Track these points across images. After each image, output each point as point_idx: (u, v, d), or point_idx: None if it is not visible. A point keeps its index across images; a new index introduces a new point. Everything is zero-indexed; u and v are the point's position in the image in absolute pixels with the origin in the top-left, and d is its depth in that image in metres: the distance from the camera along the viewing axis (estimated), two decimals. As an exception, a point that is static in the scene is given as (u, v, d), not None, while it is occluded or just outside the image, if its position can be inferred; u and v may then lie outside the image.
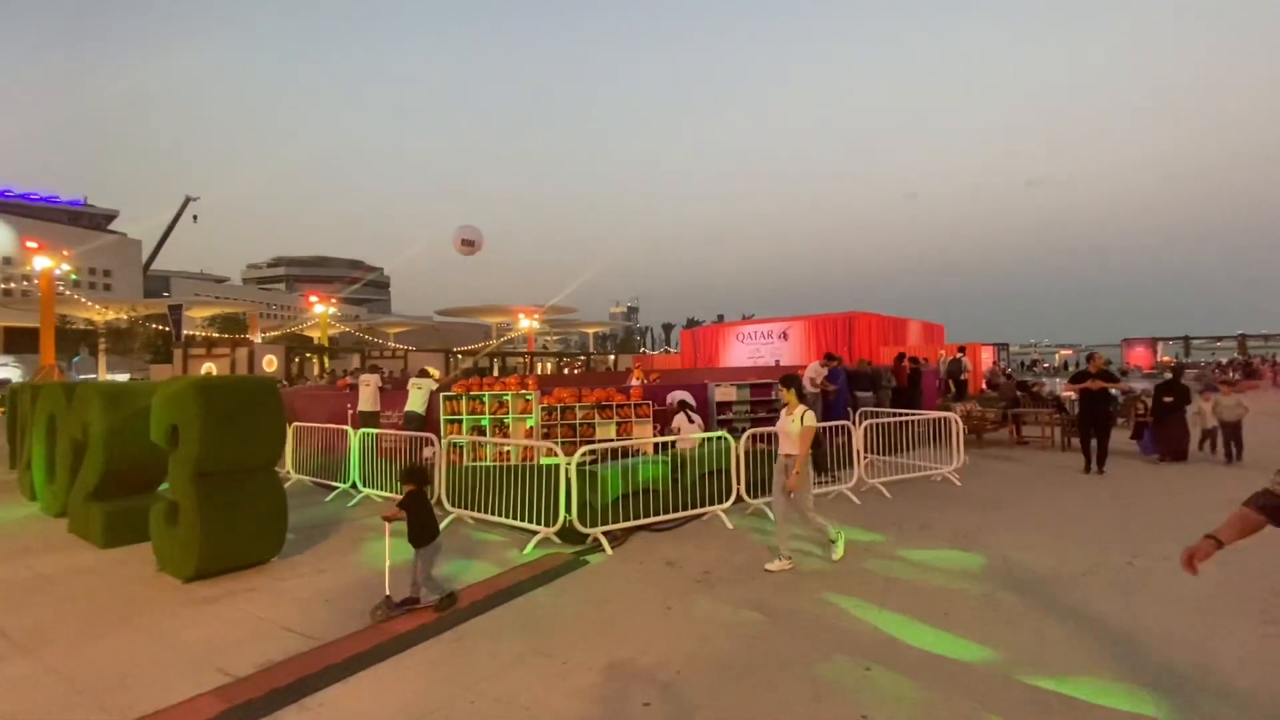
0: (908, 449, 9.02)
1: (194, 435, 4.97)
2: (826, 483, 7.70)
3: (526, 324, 61.90)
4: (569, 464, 5.72)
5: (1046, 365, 52.32)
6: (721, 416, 10.51)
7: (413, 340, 64.34)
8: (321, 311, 47.01)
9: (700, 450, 7.56)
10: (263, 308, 79.16)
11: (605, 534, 5.81)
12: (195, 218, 77.55)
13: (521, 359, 60.21)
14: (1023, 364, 55.44)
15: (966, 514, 6.75)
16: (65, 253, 29.58)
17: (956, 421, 8.66)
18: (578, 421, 9.97)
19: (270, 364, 31.22)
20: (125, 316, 36.41)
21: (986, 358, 49.80)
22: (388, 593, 4.12)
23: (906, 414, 9.38)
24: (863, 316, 25.03)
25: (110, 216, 74.43)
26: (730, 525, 6.36)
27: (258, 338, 45.07)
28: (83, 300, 34.86)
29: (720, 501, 6.67)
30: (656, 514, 6.27)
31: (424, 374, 11.60)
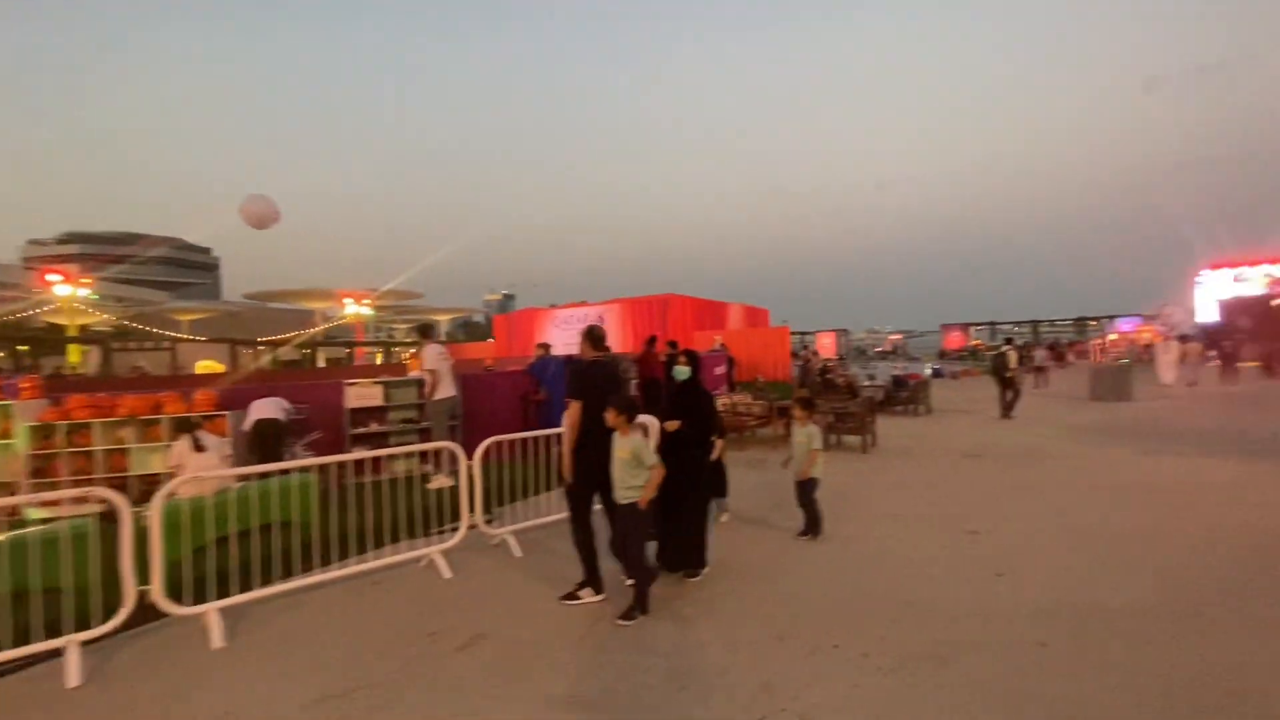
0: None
1: None
2: (443, 532, 4.98)
3: (354, 309, 55.17)
4: None
5: (878, 349, 54.97)
6: (359, 430, 7.35)
7: (212, 329, 54.98)
8: (65, 294, 37.89)
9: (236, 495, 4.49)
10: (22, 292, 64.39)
11: None
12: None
13: (346, 349, 53.48)
14: (860, 350, 58.02)
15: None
16: None
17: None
18: (95, 448, 6.37)
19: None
20: None
21: (829, 343, 51.10)
22: None
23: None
24: (678, 299, 23.12)
25: None
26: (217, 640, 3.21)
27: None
28: None
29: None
30: None
31: None
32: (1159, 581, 3.95)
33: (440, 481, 6.65)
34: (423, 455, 7.18)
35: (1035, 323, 50.97)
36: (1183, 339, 23.30)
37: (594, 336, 4.31)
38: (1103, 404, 14.19)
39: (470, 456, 4.98)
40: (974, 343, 48.41)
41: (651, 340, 10.26)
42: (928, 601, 3.80)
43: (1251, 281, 36.28)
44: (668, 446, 4.40)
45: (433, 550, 4.76)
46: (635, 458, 3.73)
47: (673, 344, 11.03)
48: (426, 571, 4.67)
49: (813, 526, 5.09)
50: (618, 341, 24.26)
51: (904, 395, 14.56)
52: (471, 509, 4.90)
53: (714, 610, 3.81)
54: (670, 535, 4.34)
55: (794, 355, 17.13)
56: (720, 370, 14.01)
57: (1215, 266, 39.77)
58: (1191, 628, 3.32)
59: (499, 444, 5.24)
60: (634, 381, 10.52)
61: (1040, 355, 21.25)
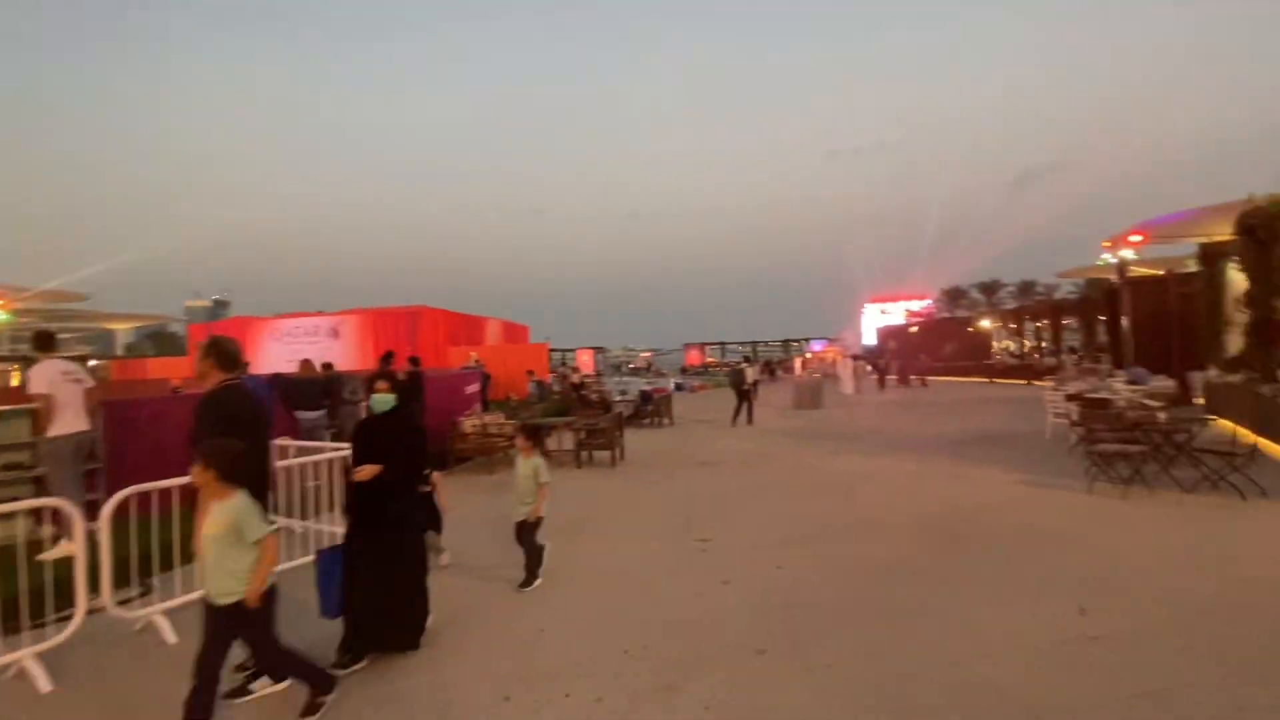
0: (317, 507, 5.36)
1: None
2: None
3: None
4: None
5: (632, 366, 58.81)
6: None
7: None
8: None
9: None
10: None
11: None
12: None
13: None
14: (615, 366, 61.28)
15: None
16: None
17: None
18: None
19: None
20: None
21: (587, 360, 52.85)
22: None
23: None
24: (429, 312, 21.58)
25: None
26: None
27: None
28: None
29: None
30: None
31: None
32: (856, 576, 4.50)
33: (63, 549, 4.85)
34: (37, 514, 5.20)
35: (754, 343, 59.65)
36: (854, 358, 29.32)
37: (222, 351, 3.11)
38: (804, 411, 16.86)
39: (99, 513, 3.64)
40: (708, 360, 54.66)
41: (387, 356, 9.15)
42: (660, 623, 3.76)
43: (894, 314, 47.45)
44: (363, 499, 3.44)
45: (24, 654, 3.32)
46: (235, 532, 2.64)
47: (415, 360, 10.04)
48: (14, 686, 3.24)
49: (533, 570, 4.48)
50: (358, 358, 21.68)
51: (650, 409, 15.50)
52: (94, 587, 3.56)
53: (430, 677, 3.24)
54: (371, 616, 3.37)
55: (529, 374, 16.45)
56: (473, 389, 13.25)
57: (873, 301, 51.29)
58: (886, 621, 3.77)
59: (151, 494, 3.96)
60: (363, 404, 9.27)
61: (756, 371, 24.73)
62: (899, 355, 28.51)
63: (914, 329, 35.76)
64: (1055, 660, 3.10)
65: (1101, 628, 3.41)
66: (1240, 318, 9.97)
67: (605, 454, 9.69)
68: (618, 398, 18.07)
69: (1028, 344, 29.08)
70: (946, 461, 8.65)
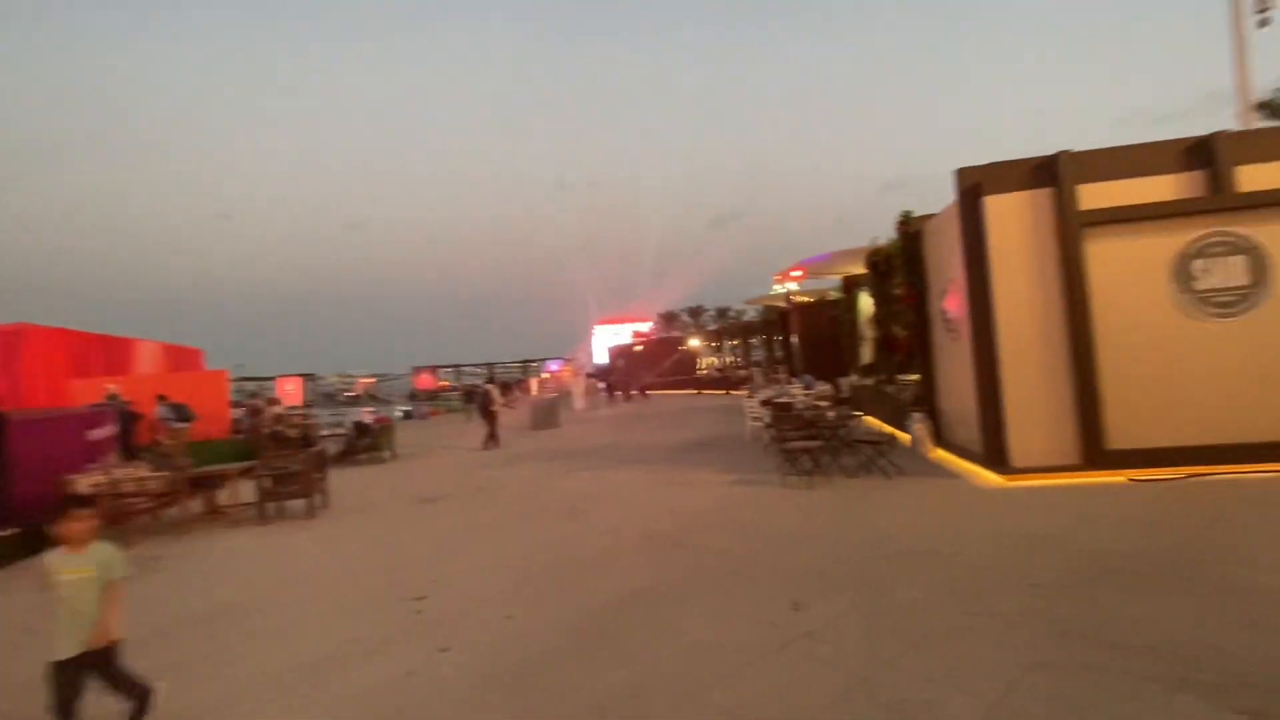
0: None
1: None
2: None
3: None
4: None
5: (349, 394, 52.38)
6: None
7: None
8: None
9: None
10: None
11: None
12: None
13: None
14: (329, 395, 53.98)
15: None
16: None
17: None
18: None
19: None
20: None
21: (293, 389, 45.38)
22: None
23: None
24: (37, 331, 15.76)
25: None
26: None
27: None
28: None
29: None
30: None
31: None
32: (590, 612, 4.10)
33: None
34: None
35: (491, 364, 58.42)
36: (588, 375, 30.49)
37: None
38: (541, 432, 16.62)
39: None
40: (441, 384, 51.71)
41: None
42: (353, 728, 2.87)
43: (623, 334, 51.12)
44: None
45: None
46: None
47: (-16, 400, 6.92)
48: None
49: (140, 699, 2.80)
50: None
51: (368, 443, 13.59)
52: None
53: None
54: None
55: (160, 399, 12.07)
56: (104, 433, 9.85)
57: (603, 323, 54.57)
58: (622, 661, 3.42)
59: None
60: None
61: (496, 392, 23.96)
62: (626, 372, 30.51)
63: (639, 348, 38.82)
64: (781, 666, 3.11)
65: (814, 620, 3.58)
66: (870, 334, 12.70)
67: (302, 503, 7.93)
68: (327, 431, 15.55)
69: (726, 359, 33.73)
70: (668, 469, 9.10)
